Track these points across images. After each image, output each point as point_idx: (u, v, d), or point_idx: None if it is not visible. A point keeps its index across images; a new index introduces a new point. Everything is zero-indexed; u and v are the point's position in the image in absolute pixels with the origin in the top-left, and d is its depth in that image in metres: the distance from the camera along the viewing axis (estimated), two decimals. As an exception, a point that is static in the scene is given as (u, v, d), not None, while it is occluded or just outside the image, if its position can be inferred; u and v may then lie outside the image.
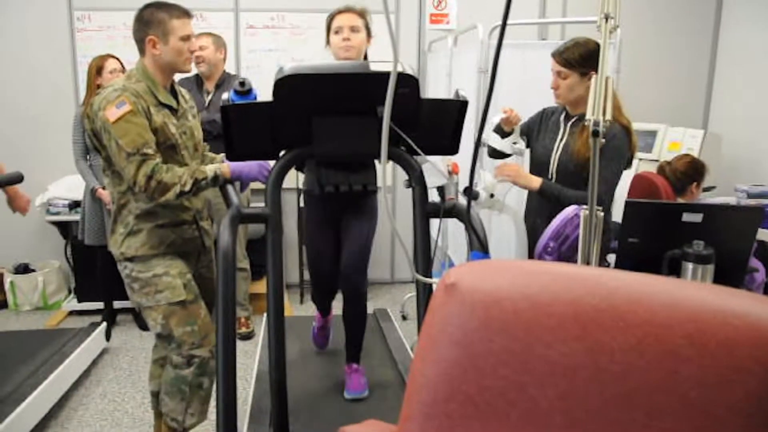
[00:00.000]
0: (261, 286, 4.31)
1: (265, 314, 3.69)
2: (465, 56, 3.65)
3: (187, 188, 2.04)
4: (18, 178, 2.52)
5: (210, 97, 3.67)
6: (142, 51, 2.15)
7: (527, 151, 2.52)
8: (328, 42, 2.51)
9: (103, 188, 3.78)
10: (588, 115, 1.32)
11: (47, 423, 2.96)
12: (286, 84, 1.66)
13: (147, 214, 2.16)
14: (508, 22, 1.27)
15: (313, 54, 4.44)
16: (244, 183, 2.18)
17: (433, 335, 0.89)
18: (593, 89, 1.33)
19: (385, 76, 1.69)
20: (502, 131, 2.39)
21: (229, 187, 2.05)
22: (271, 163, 1.91)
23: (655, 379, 0.77)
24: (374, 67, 1.67)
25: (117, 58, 3.76)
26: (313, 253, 2.71)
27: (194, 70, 3.62)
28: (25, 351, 3.26)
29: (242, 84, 1.75)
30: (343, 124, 1.74)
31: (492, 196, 2.14)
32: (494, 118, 2.38)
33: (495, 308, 0.87)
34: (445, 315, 0.89)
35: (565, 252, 1.69)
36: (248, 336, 3.95)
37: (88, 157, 3.82)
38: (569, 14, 4.71)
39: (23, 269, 4.55)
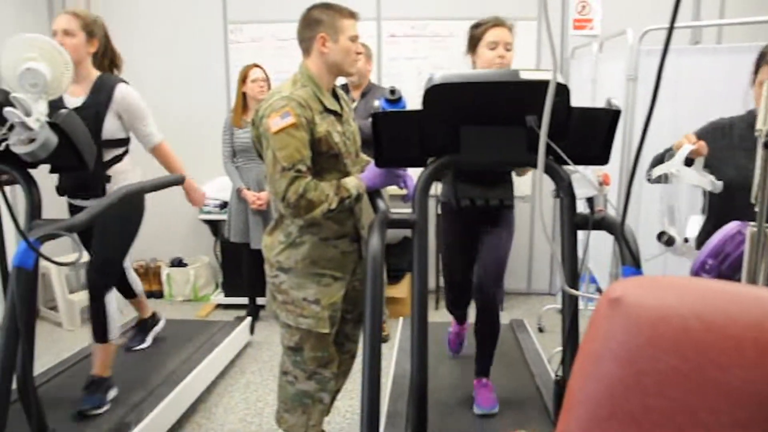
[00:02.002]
0: (396, 290, 4.39)
1: (401, 318, 3.78)
2: (611, 63, 3.53)
3: (333, 206, 2.00)
4: (179, 180, 2.69)
5: (355, 104, 3.78)
6: (307, 51, 2.11)
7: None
8: (470, 51, 2.50)
9: (248, 189, 4.02)
10: (759, 126, 1.24)
11: (197, 406, 3.18)
12: (435, 93, 1.68)
13: (311, 225, 2.11)
14: (659, 26, 1.21)
15: (454, 62, 4.46)
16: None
17: (594, 351, 0.87)
18: (764, 96, 1.25)
19: (536, 84, 1.68)
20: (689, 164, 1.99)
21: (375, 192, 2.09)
22: (413, 170, 1.94)
23: None
24: (524, 75, 1.66)
25: (261, 68, 3.99)
26: (449, 262, 2.71)
27: (341, 79, 3.75)
28: (180, 338, 3.55)
29: (392, 92, 1.79)
30: (491, 133, 1.73)
31: (686, 240, 1.88)
32: (680, 151, 1.89)
33: (663, 325, 0.83)
34: (608, 330, 0.86)
35: (726, 271, 1.59)
36: (383, 340, 4.03)
37: (234, 160, 4.08)
38: (727, 15, 4.41)
39: (178, 263, 4.94)
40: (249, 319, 3.97)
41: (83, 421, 2.63)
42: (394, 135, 1.80)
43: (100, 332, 2.73)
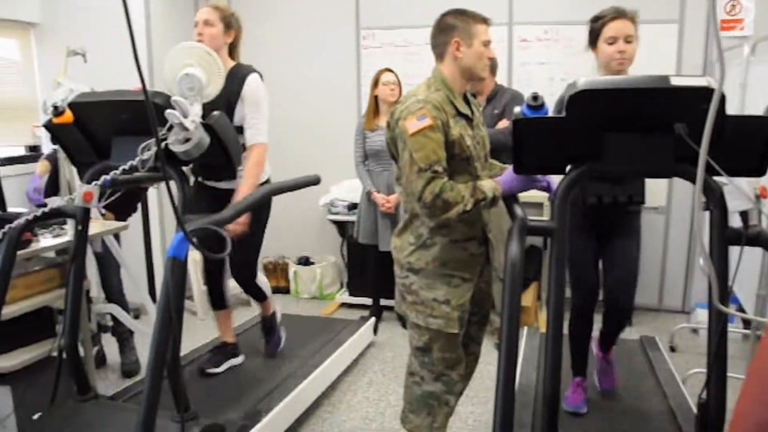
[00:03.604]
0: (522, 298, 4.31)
1: (525, 327, 3.72)
2: (764, 66, 3.30)
3: (468, 208, 2.00)
4: (315, 181, 2.78)
5: (480, 109, 3.75)
6: (440, 57, 2.15)
7: None
8: (591, 46, 2.43)
9: (378, 191, 4.10)
10: None
11: (321, 401, 3.29)
12: (579, 99, 1.65)
13: (441, 227, 2.13)
14: None
15: (587, 67, 4.33)
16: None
17: (764, 376, 0.82)
18: None
19: (688, 91, 1.61)
20: None
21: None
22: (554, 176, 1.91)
23: None
24: (675, 81, 1.59)
25: (393, 72, 4.07)
26: (575, 263, 2.64)
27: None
28: (306, 334, 3.68)
29: (535, 98, 1.77)
30: (637, 141, 1.67)
31: None
32: None
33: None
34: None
35: None
36: (503, 346, 3.97)
37: (366, 163, 4.18)
38: None
39: (305, 261, 5.13)
40: (373, 319, 4.05)
41: (220, 404, 2.80)
42: (535, 141, 1.78)
43: (218, 300, 3.09)
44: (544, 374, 1.77)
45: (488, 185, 2.04)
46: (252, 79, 2.75)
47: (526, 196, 2.14)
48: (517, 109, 1.85)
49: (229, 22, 2.77)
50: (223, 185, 2.85)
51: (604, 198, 2.03)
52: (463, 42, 2.09)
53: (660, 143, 1.65)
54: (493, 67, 3.75)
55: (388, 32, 4.87)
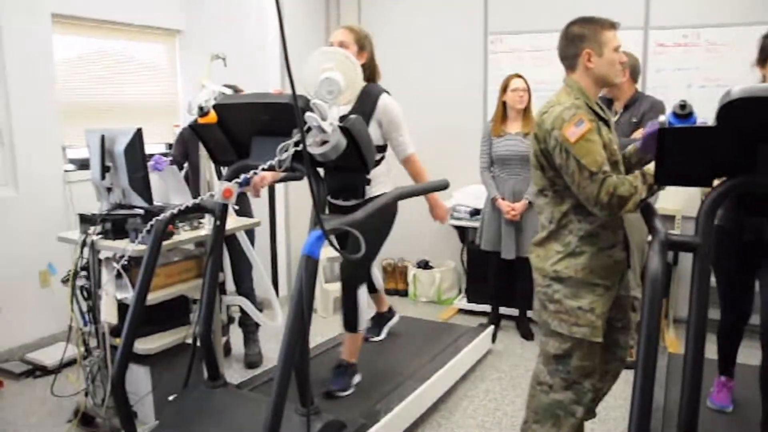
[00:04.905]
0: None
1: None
2: None
3: (644, 195, 1.98)
4: (443, 185, 2.77)
5: (617, 117, 3.59)
6: (571, 68, 2.16)
7: None
8: (759, 63, 2.27)
9: (503, 198, 4.04)
10: None
11: (438, 406, 3.28)
12: (733, 107, 1.55)
13: (590, 236, 2.13)
14: None
15: (733, 74, 4.06)
16: None
17: None
18: None
19: None
20: None
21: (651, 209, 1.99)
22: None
23: None
24: None
25: (522, 78, 4.00)
26: (724, 282, 2.48)
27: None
28: (425, 337, 3.70)
29: (683, 107, 1.67)
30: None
31: None
32: None
33: None
34: None
35: None
36: (630, 366, 3.79)
37: (492, 169, 4.14)
38: None
39: (424, 265, 5.15)
40: (492, 327, 4.00)
41: (339, 400, 2.86)
42: (681, 152, 1.69)
43: (352, 322, 2.97)
44: (680, 401, 1.67)
45: (649, 168, 2.01)
46: (382, 100, 2.83)
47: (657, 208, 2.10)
48: (661, 118, 1.78)
49: (363, 45, 2.85)
50: (349, 203, 2.92)
51: (766, 235, 1.88)
52: (593, 52, 2.10)
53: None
54: (634, 73, 3.57)
55: (516, 37, 4.80)
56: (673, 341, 4.06)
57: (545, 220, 2.22)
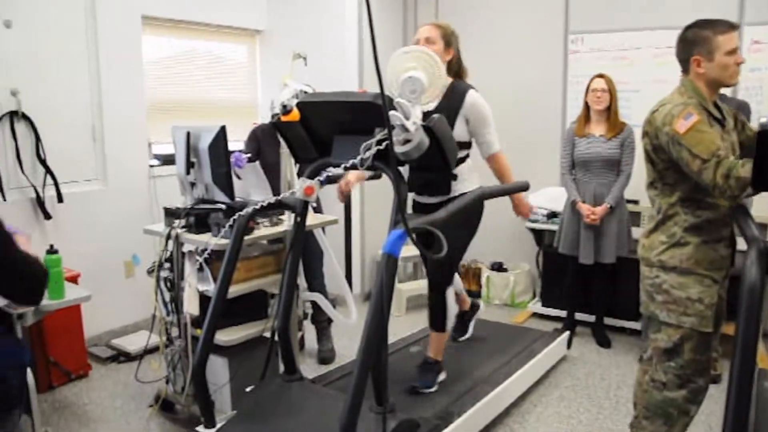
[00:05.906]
0: (728, 328, 3.93)
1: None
2: None
3: None
4: (525, 186, 2.74)
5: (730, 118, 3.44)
6: (686, 70, 2.21)
7: None
8: None
9: (583, 202, 3.94)
10: None
11: (511, 410, 3.23)
12: None
13: (694, 228, 2.17)
14: None
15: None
16: None
17: None
18: None
19: None
20: None
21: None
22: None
23: None
24: None
25: (604, 78, 3.89)
26: None
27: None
28: (500, 341, 3.66)
29: (788, 107, 1.59)
30: None
31: None
32: None
33: None
34: None
35: None
36: (713, 380, 3.64)
37: (573, 172, 4.05)
38: None
39: (498, 267, 5.09)
40: (567, 333, 3.90)
41: (412, 400, 2.85)
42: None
43: (439, 322, 2.95)
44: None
45: None
46: (470, 96, 2.77)
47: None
48: (763, 119, 1.70)
49: (449, 41, 2.80)
50: (435, 200, 2.88)
51: None
52: (703, 58, 2.14)
53: None
54: None
55: (598, 36, 4.66)
56: (765, 357, 3.86)
57: (654, 211, 2.28)
